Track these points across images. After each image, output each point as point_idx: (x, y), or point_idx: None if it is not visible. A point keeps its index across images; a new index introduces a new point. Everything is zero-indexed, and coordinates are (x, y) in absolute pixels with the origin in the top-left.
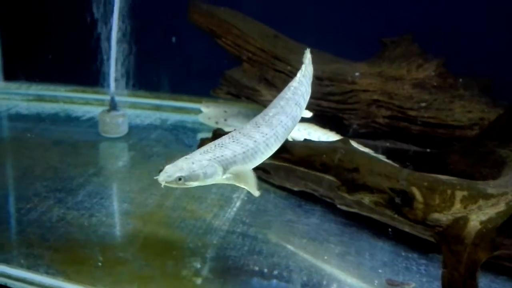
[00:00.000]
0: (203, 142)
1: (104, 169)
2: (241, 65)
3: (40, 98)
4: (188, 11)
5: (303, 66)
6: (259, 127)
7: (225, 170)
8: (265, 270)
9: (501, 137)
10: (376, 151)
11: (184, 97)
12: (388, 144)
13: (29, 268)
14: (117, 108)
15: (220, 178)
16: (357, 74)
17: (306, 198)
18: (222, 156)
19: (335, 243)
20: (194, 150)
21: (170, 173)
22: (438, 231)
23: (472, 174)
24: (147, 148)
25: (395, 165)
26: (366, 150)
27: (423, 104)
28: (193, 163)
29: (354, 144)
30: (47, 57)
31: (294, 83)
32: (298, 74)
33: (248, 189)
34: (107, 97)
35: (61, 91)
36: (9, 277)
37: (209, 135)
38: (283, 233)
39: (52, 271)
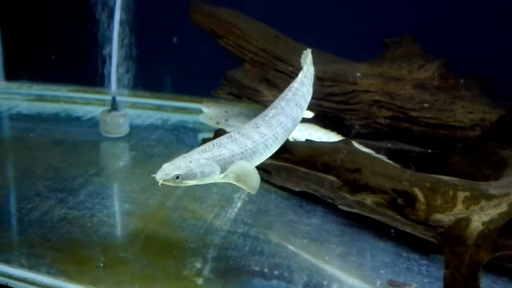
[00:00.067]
0: (205, 142)
1: (105, 169)
2: (243, 66)
3: (41, 98)
4: (190, 11)
5: (305, 67)
6: (258, 127)
7: (222, 169)
8: (266, 271)
9: (503, 138)
10: (377, 151)
11: (185, 97)
12: (389, 145)
13: (30, 268)
14: (118, 108)
15: (217, 177)
16: (358, 74)
17: (308, 198)
18: (220, 155)
19: (336, 244)
20: None
21: (167, 171)
22: (440, 231)
23: (474, 175)
24: (148, 148)
25: (397, 166)
26: (368, 150)
27: (425, 105)
28: (190, 161)
29: (355, 144)
30: (48, 57)
31: (295, 83)
32: (300, 75)
33: (246, 188)
34: (108, 97)
35: (62, 91)
36: (10, 277)
37: (210, 135)
38: (284, 233)
39: (54, 271)
